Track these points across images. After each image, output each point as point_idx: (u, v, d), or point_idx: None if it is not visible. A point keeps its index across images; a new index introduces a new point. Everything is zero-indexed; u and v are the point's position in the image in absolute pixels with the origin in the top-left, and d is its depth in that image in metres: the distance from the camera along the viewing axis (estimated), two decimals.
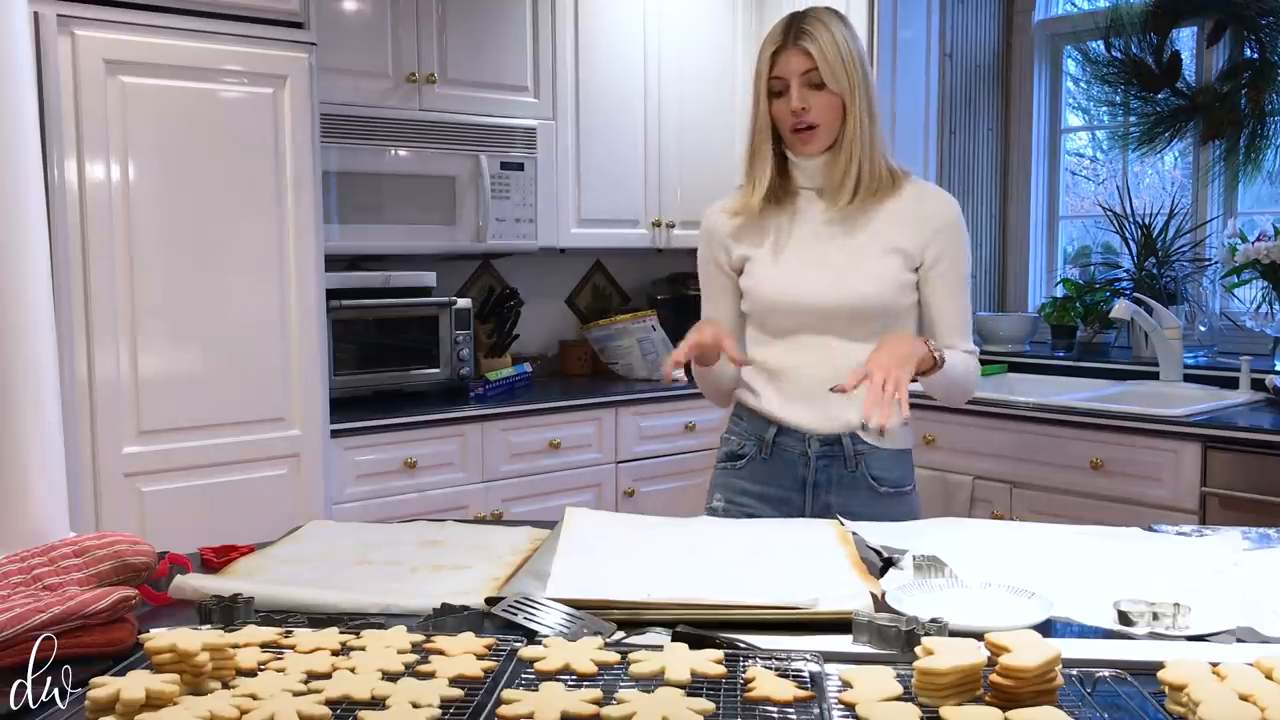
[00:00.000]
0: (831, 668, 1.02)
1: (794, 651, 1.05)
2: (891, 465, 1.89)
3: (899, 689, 0.95)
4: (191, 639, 0.98)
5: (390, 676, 1.00)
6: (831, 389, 1.67)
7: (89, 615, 1.08)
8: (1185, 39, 3.68)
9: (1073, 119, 4.24)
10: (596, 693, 0.94)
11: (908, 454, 1.94)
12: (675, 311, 3.93)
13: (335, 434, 2.93)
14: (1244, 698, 0.91)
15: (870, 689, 0.95)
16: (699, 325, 1.83)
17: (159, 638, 0.98)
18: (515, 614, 1.17)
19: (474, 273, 3.84)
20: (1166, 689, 0.95)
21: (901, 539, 1.50)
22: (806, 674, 1.00)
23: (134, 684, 0.92)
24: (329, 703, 0.93)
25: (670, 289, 4.12)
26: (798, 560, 1.39)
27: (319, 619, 1.19)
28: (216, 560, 1.45)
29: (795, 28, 1.81)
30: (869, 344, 1.80)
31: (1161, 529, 1.62)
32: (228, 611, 1.18)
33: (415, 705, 0.92)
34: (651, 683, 0.98)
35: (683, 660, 1.01)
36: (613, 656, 1.03)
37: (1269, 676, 0.96)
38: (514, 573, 1.35)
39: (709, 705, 0.92)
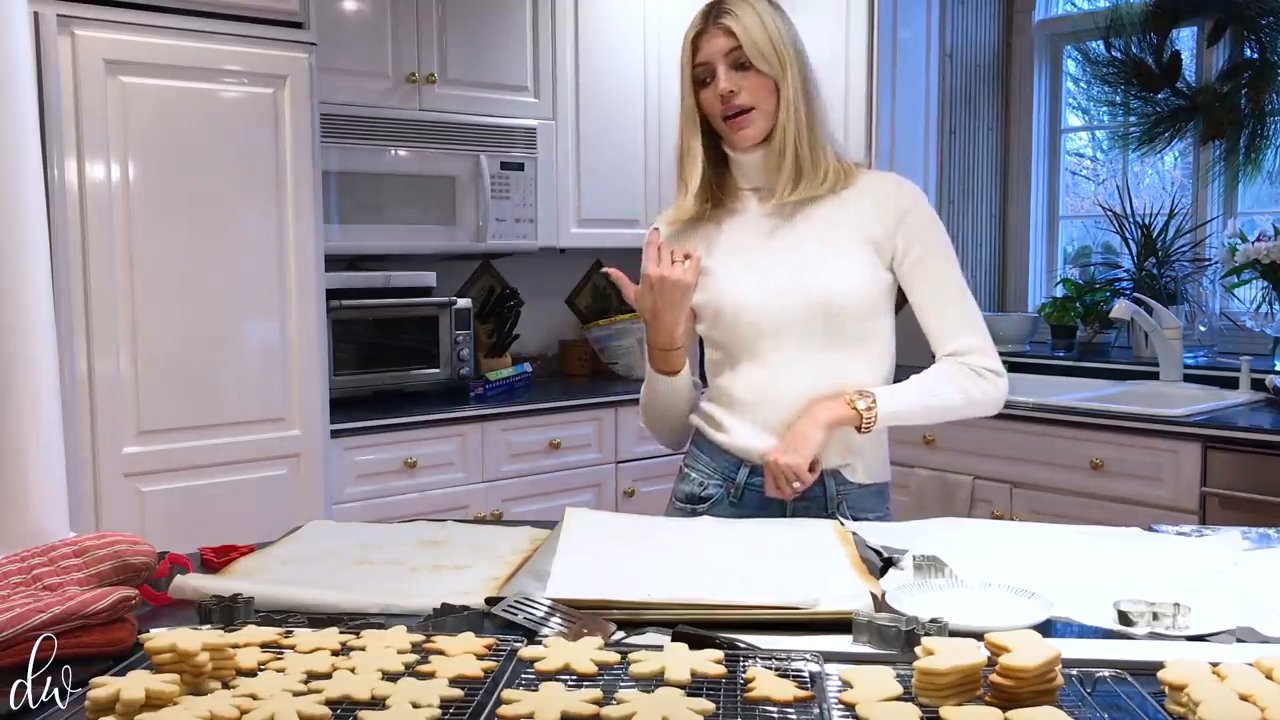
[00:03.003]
0: (831, 668, 1.01)
1: (794, 651, 1.05)
2: (874, 502, 1.76)
3: (899, 689, 0.95)
4: (191, 639, 0.97)
5: (390, 676, 0.99)
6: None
7: (89, 615, 1.08)
8: (1185, 39, 3.68)
9: (1073, 119, 4.25)
10: (596, 693, 0.94)
11: (886, 485, 1.79)
12: None
13: (335, 434, 2.93)
14: (1244, 698, 0.91)
15: (870, 689, 0.95)
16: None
17: (159, 638, 0.98)
18: (515, 614, 1.17)
19: (474, 273, 3.84)
20: (1166, 689, 0.95)
21: (901, 539, 1.50)
22: (806, 674, 1.00)
23: (134, 684, 0.92)
24: (329, 703, 0.93)
25: None
26: (798, 560, 1.39)
27: (319, 619, 1.19)
28: (216, 560, 1.45)
29: (716, 9, 1.66)
30: (847, 357, 1.68)
31: (1161, 529, 1.62)
32: (228, 611, 1.18)
33: (415, 705, 0.92)
34: (651, 683, 0.98)
35: (683, 660, 1.01)
36: (613, 656, 1.03)
37: (1269, 676, 0.96)
38: (514, 573, 1.35)
39: (709, 705, 0.91)
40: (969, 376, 1.69)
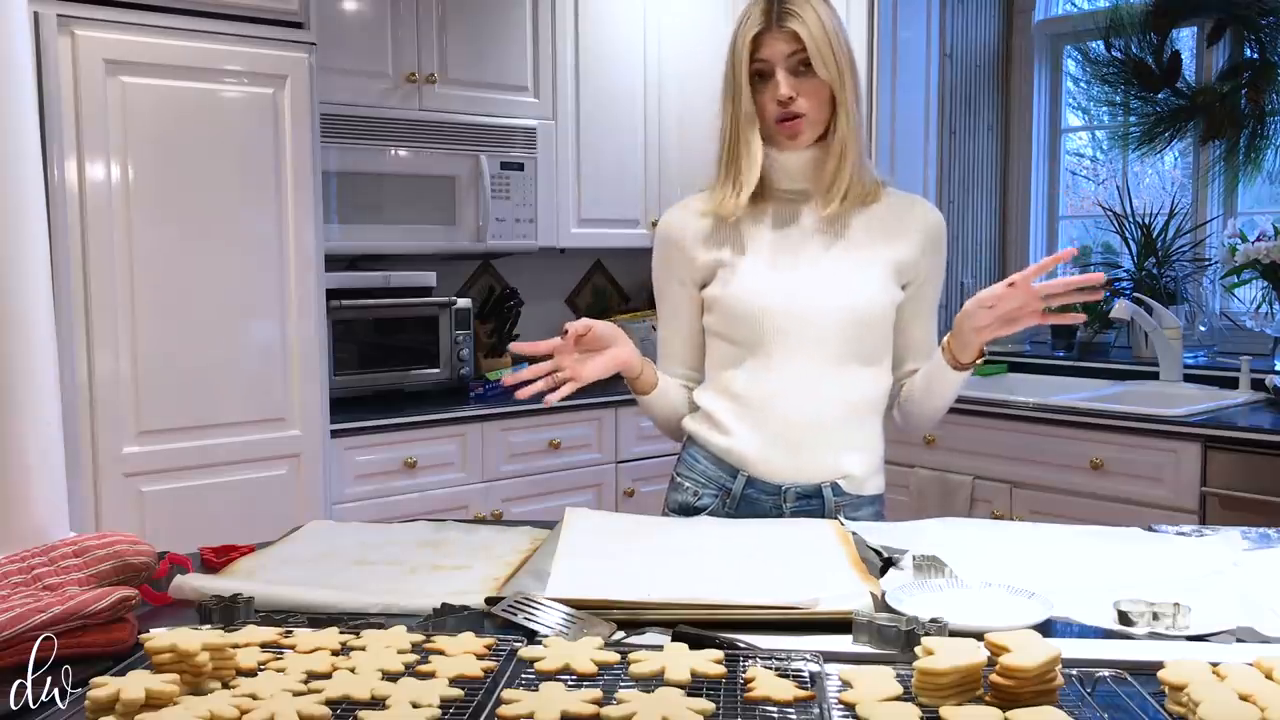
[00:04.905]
0: (831, 668, 1.01)
1: (794, 651, 1.05)
2: (871, 515, 1.73)
3: (899, 689, 0.95)
4: (191, 639, 0.97)
5: (390, 676, 0.99)
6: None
7: (89, 615, 1.08)
8: (1185, 39, 3.69)
9: (1073, 119, 4.25)
10: (596, 693, 0.94)
11: (881, 497, 1.77)
12: None
13: (335, 434, 2.93)
14: (1244, 698, 0.91)
15: (870, 689, 0.95)
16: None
17: (159, 638, 0.98)
18: (515, 614, 1.17)
19: (474, 273, 3.84)
20: (1166, 689, 0.95)
21: (901, 539, 1.50)
22: (806, 674, 1.00)
23: (134, 684, 0.92)
24: (329, 703, 0.93)
25: None
26: (798, 560, 1.39)
27: (319, 619, 1.19)
28: (216, 560, 1.45)
29: (777, 8, 1.60)
30: (861, 371, 1.67)
31: (1161, 529, 1.62)
32: (228, 611, 1.18)
33: (415, 705, 0.92)
34: (651, 683, 0.98)
35: (683, 660, 1.01)
36: (613, 656, 1.03)
37: (1269, 676, 0.96)
38: (514, 573, 1.35)
39: (709, 705, 0.91)
40: None
